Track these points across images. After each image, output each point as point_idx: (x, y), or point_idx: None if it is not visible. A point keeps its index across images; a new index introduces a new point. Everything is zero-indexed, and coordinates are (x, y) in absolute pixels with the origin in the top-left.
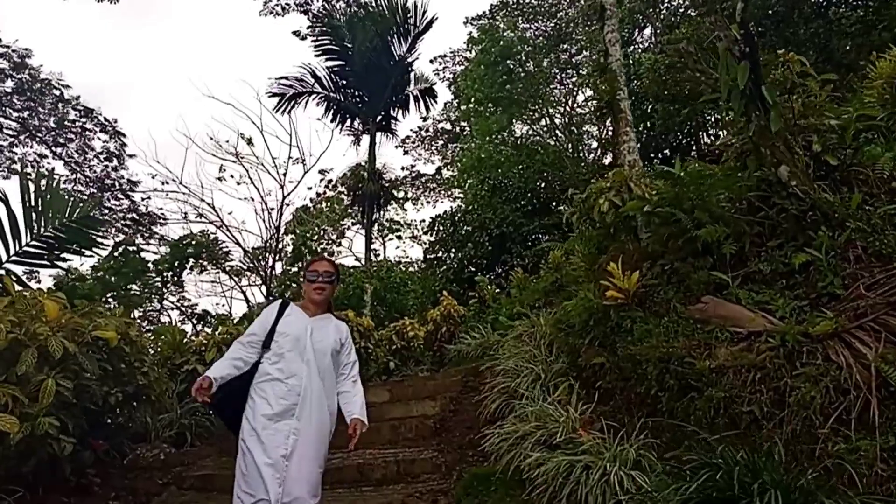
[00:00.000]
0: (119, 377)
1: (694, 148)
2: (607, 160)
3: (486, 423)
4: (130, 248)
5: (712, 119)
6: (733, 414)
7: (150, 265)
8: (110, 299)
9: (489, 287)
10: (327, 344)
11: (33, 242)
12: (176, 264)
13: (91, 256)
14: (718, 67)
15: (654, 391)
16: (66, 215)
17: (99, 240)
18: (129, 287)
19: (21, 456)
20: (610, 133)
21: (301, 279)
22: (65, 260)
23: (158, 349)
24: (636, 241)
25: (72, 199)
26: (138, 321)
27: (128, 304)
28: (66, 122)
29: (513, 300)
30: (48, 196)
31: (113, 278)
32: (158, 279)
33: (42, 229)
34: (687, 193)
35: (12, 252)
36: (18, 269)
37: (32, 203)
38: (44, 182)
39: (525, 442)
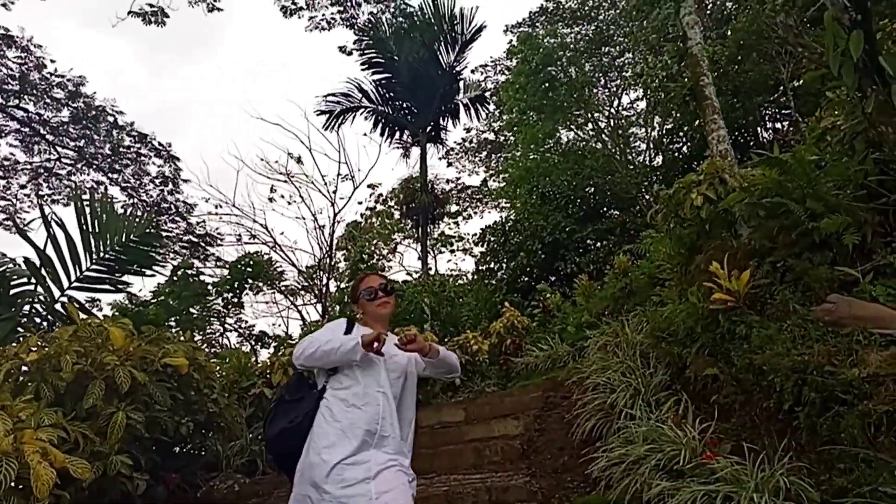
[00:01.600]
0: (189, 405)
1: (752, 143)
2: (658, 160)
3: (581, 444)
4: (189, 272)
5: (769, 113)
6: None
7: (209, 287)
8: (172, 323)
9: (551, 295)
10: (404, 366)
11: (94, 266)
12: (235, 285)
13: (152, 275)
14: (824, 39)
15: (787, 406)
16: (124, 235)
17: (158, 258)
18: (189, 311)
19: (92, 497)
20: (656, 133)
21: (351, 301)
22: (126, 283)
23: (224, 374)
24: (736, 238)
25: (128, 218)
26: (202, 345)
27: (190, 328)
28: (121, 149)
29: (579, 309)
30: (104, 217)
31: (174, 302)
32: (219, 301)
33: (102, 252)
34: (795, 182)
35: (73, 278)
36: (81, 297)
37: (90, 226)
38: (98, 204)
39: (640, 467)
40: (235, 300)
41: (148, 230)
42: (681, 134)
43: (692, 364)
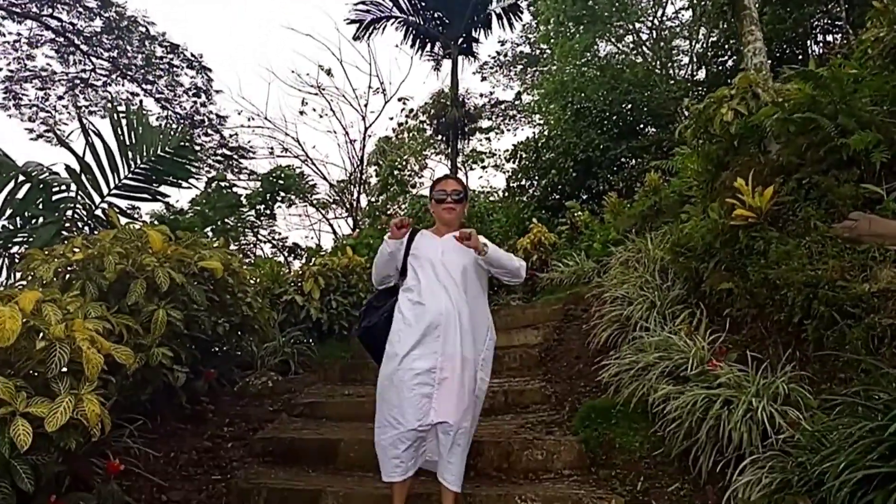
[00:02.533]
0: (225, 307)
1: (801, 57)
2: (701, 75)
3: (596, 353)
4: (223, 184)
5: (821, 25)
6: None
7: (242, 199)
8: (209, 233)
9: (580, 213)
10: (462, 262)
11: (131, 176)
12: (268, 197)
13: (188, 187)
14: None
15: (797, 319)
16: (160, 146)
17: (193, 170)
18: (225, 221)
19: (137, 385)
20: (700, 47)
21: (427, 201)
22: (163, 194)
23: (258, 280)
24: (765, 154)
25: (162, 131)
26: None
27: (226, 237)
28: (153, 60)
29: (607, 226)
30: (140, 129)
31: (210, 212)
32: (252, 213)
33: (138, 162)
34: (829, 97)
35: (112, 185)
36: (121, 205)
37: (126, 137)
38: (134, 116)
39: (648, 374)
40: (268, 212)
41: (182, 143)
42: (726, 46)
43: (709, 278)
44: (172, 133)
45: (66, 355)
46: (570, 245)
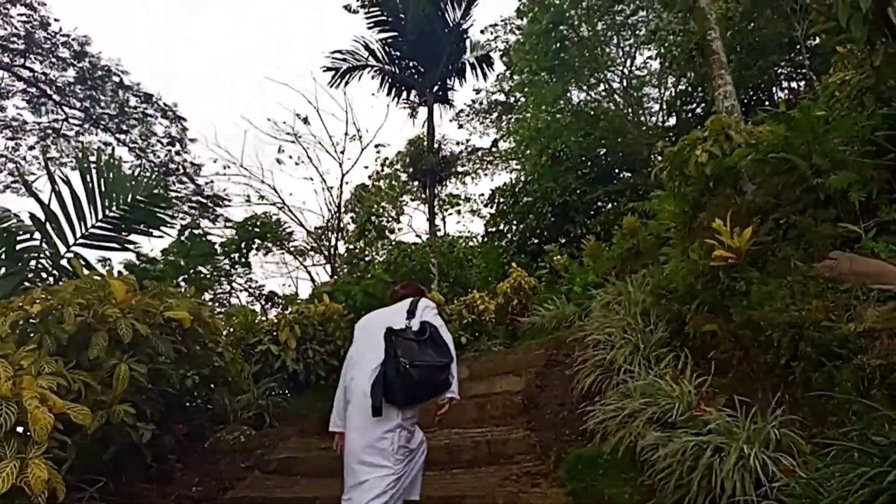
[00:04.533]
0: (194, 359)
1: (767, 103)
2: (671, 121)
3: (581, 399)
4: (196, 232)
5: (784, 72)
6: (893, 384)
7: (217, 247)
8: (182, 282)
9: (559, 257)
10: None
11: (99, 224)
12: (242, 245)
13: (160, 236)
14: None
15: (783, 360)
16: (131, 194)
17: (166, 219)
18: (198, 270)
19: (99, 444)
20: (669, 94)
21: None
22: (132, 243)
23: (231, 330)
24: (741, 195)
25: (135, 177)
26: (210, 303)
27: (199, 286)
28: (126, 109)
29: (586, 269)
30: (111, 176)
31: (182, 261)
32: (227, 261)
33: (108, 210)
34: (802, 137)
35: (79, 234)
36: (90, 255)
37: (95, 184)
38: (104, 163)
39: (635, 420)
40: (242, 260)
41: (155, 190)
42: (694, 94)
43: (692, 320)
44: (146, 180)
45: (13, 415)
46: (550, 289)
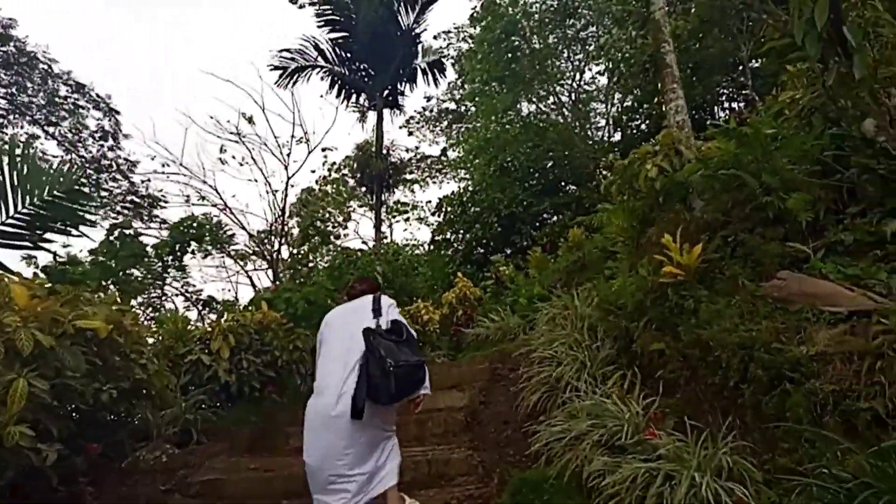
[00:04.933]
0: (112, 371)
1: (708, 122)
2: (616, 137)
3: (526, 417)
4: (127, 232)
5: (726, 93)
6: (846, 411)
7: (148, 249)
8: (111, 285)
9: (505, 267)
10: None
11: (9, 221)
12: (177, 248)
13: (79, 236)
14: (789, 7)
15: (732, 382)
16: (47, 189)
17: (88, 217)
18: (128, 272)
19: None
20: (616, 110)
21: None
22: (47, 241)
23: (160, 338)
24: (690, 211)
25: (53, 171)
26: (140, 308)
27: (127, 291)
28: (56, 99)
29: (531, 281)
30: (24, 169)
31: (111, 262)
32: (160, 264)
33: (20, 205)
34: (752, 154)
35: None
36: (8, 256)
37: (7, 177)
38: (19, 155)
39: (582, 442)
40: (176, 263)
41: (77, 186)
42: (640, 111)
43: (640, 338)
44: (65, 174)
45: None
46: (495, 300)
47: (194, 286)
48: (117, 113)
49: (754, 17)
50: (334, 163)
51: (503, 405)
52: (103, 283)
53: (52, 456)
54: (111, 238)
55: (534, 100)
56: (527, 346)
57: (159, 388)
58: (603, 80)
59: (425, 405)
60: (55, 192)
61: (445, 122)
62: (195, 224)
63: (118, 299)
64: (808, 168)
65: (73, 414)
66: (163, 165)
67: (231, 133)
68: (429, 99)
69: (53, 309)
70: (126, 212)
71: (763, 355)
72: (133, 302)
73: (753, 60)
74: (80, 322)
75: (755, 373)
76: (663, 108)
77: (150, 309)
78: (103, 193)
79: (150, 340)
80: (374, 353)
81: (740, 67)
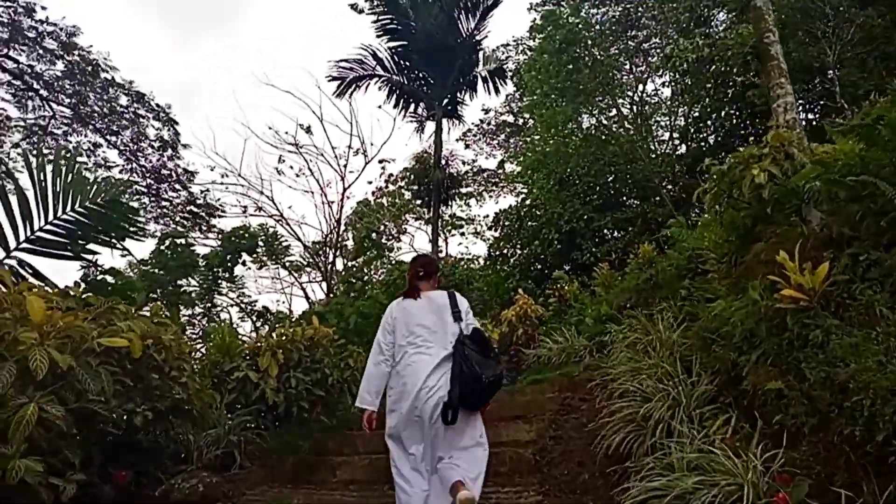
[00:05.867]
0: (148, 391)
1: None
2: (681, 151)
3: (606, 460)
4: (178, 241)
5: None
6: None
7: (200, 259)
8: (160, 297)
9: (568, 284)
10: None
11: (48, 227)
12: (228, 258)
13: (121, 249)
14: None
15: (881, 437)
16: (90, 198)
17: (133, 228)
18: (177, 283)
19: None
20: (682, 122)
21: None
22: (91, 252)
23: (208, 352)
24: (805, 224)
25: (97, 181)
26: (195, 319)
27: (176, 303)
28: (117, 109)
29: (598, 300)
30: (69, 177)
31: (161, 272)
32: (209, 274)
33: (60, 212)
34: (886, 157)
35: (22, 238)
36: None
37: (48, 183)
38: (64, 162)
39: None
40: (227, 274)
41: (118, 197)
42: (708, 122)
43: (750, 374)
44: (110, 185)
45: None
46: (558, 319)
47: (249, 297)
48: (176, 123)
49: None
50: (391, 174)
51: (577, 443)
52: (151, 294)
53: (69, 489)
54: (162, 248)
55: (594, 112)
56: (600, 372)
57: (201, 407)
58: (667, 92)
59: (488, 439)
60: (97, 202)
61: (503, 135)
62: (247, 234)
63: (162, 311)
64: None
65: (107, 437)
66: (222, 176)
67: (289, 144)
68: (487, 111)
69: (76, 324)
70: (185, 222)
71: None
72: (188, 312)
73: (840, 66)
74: (105, 340)
75: None
76: (770, 106)
77: (206, 319)
78: (163, 203)
79: (196, 354)
80: (468, 363)
81: (828, 73)
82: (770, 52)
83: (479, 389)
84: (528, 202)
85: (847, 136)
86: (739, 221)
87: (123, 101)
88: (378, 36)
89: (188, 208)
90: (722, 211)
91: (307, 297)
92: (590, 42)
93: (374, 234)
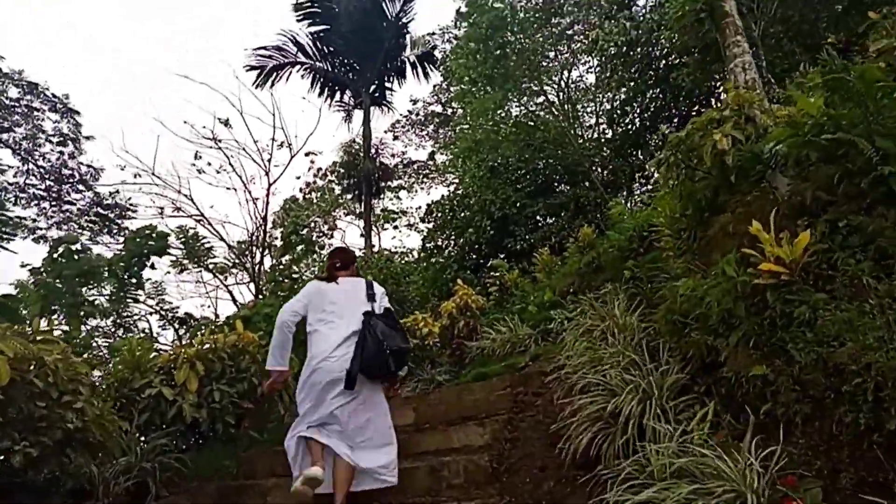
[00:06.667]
0: (30, 422)
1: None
2: (608, 135)
3: (573, 465)
4: (73, 247)
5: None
6: None
7: (99, 266)
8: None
9: (509, 272)
10: None
11: None
12: (133, 262)
13: None
14: None
15: (893, 425)
16: None
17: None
18: (76, 293)
19: None
20: (609, 104)
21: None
22: None
23: (114, 370)
24: (772, 191)
25: None
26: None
27: (77, 315)
28: (5, 101)
29: (540, 286)
30: None
31: (56, 282)
32: (116, 281)
33: None
34: (860, 113)
35: None
36: None
37: None
38: None
39: None
40: (133, 281)
41: None
42: (634, 105)
43: (729, 359)
44: None
45: None
46: (499, 308)
47: (170, 303)
48: (77, 113)
49: None
50: (320, 168)
51: (537, 445)
52: (52, 307)
53: None
54: (55, 255)
55: (523, 99)
56: (553, 364)
57: (103, 434)
58: (591, 78)
59: (438, 445)
60: None
61: (432, 126)
62: (154, 234)
63: (51, 327)
64: None
65: None
66: (135, 176)
67: (207, 139)
68: (415, 102)
69: None
70: (92, 226)
71: None
72: (99, 323)
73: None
74: None
75: None
76: (727, 67)
77: (123, 330)
78: (65, 207)
79: (97, 373)
80: (372, 334)
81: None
82: (724, 7)
83: (381, 358)
84: (459, 191)
85: (811, 93)
86: (699, 193)
87: (13, 93)
88: (298, 20)
89: (94, 210)
90: (678, 183)
91: (234, 300)
92: (516, 28)
93: (303, 231)
